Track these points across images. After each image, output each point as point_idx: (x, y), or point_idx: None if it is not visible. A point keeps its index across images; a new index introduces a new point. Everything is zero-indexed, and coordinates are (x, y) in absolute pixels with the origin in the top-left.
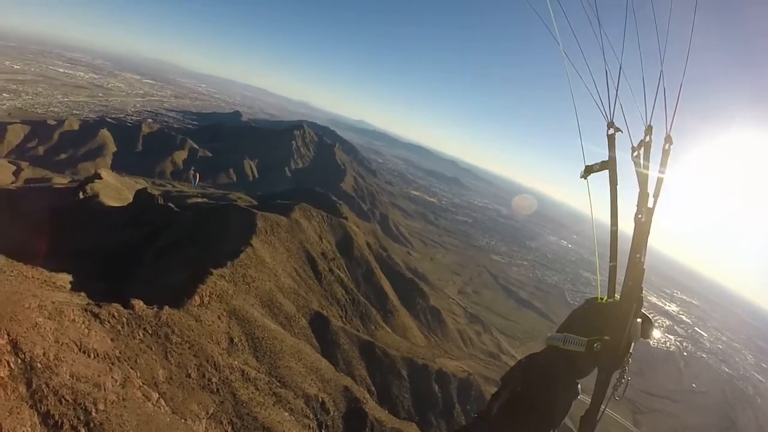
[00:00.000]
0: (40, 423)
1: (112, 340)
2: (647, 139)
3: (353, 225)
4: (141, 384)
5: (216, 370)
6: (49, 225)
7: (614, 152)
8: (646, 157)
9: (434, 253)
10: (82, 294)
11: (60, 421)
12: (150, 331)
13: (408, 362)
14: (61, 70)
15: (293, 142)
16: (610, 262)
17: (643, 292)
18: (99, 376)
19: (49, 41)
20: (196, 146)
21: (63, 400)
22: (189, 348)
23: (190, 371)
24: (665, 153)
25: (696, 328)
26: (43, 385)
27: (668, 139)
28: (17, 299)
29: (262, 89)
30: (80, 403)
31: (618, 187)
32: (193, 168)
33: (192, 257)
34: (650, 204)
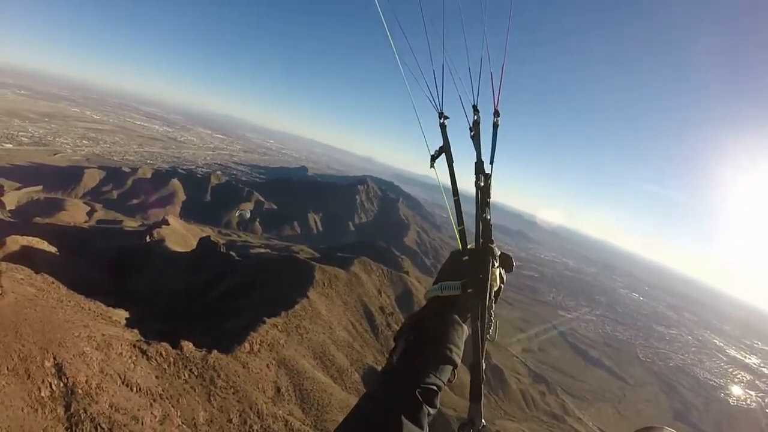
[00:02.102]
0: None
1: (156, 377)
2: (476, 117)
3: (414, 280)
4: (180, 423)
5: (258, 417)
6: (115, 264)
7: (447, 138)
8: (476, 133)
9: (498, 309)
10: (135, 331)
11: None
12: (195, 373)
13: None
14: (138, 123)
15: (357, 196)
16: (458, 226)
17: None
18: (138, 410)
19: (127, 95)
20: (262, 198)
21: (99, 427)
22: (233, 393)
23: (231, 416)
24: (495, 126)
25: None
26: (81, 411)
27: (496, 113)
28: (68, 327)
29: (329, 145)
30: None
31: (455, 165)
32: (239, 209)
33: (249, 305)
34: (487, 170)
